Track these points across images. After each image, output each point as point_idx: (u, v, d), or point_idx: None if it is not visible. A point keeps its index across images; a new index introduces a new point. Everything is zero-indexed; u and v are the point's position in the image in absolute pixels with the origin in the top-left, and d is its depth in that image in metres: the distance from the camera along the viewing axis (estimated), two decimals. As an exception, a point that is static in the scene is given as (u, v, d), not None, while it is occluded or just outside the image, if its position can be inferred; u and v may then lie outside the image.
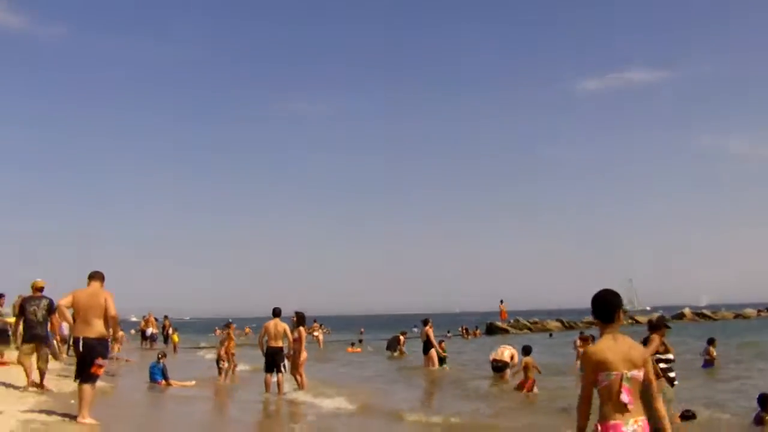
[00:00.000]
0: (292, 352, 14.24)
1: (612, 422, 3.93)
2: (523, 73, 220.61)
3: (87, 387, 8.45)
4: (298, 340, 14.30)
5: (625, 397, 3.94)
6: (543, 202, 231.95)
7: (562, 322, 56.42)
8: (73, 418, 8.50)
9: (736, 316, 66.91)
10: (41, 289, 11.59)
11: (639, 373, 4.01)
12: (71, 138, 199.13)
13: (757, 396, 9.96)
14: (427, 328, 21.67)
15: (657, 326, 8.75)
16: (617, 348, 4.02)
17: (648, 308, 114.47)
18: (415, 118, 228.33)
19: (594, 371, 4.01)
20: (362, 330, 53.43)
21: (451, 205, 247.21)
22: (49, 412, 8.86)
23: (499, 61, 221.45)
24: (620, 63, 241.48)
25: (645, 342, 8.25)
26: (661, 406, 4.10)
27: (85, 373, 8.42)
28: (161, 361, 15.92)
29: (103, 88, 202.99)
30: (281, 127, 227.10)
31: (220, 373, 17.11)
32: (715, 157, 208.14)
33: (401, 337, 29.57)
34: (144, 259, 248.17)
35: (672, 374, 8.70)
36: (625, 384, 3.95)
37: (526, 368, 15.34)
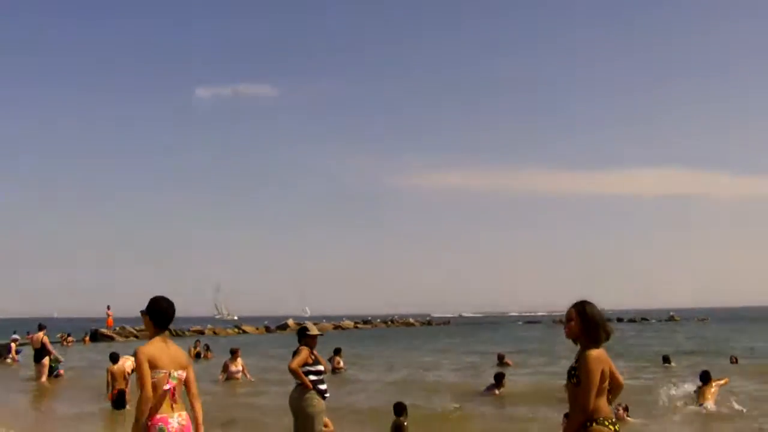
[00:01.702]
0: None
1: (160, 416, 4.55)
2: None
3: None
4: None
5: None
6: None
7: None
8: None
9: (336, 327, 72.61)
10: None
11: (183, 374, 4.72)
12: None
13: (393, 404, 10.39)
14: (42, 334, 20.03)
15: (305, 337, 8.66)
16: (167, 350, 4.68)
17: (236, 317, 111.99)
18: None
19: (149, 368, 4.55)
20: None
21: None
22: None
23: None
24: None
25: (295, 353, 8.42)
26: (199, 407, 4.79)
27: None
28: None
29: None
30: None
31: None
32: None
33: (12, 344, 27.41)
34: None
35: (322, 386, 8.61)
36: (171, 381, 4.62)
37: (112, 377, 13.96)
